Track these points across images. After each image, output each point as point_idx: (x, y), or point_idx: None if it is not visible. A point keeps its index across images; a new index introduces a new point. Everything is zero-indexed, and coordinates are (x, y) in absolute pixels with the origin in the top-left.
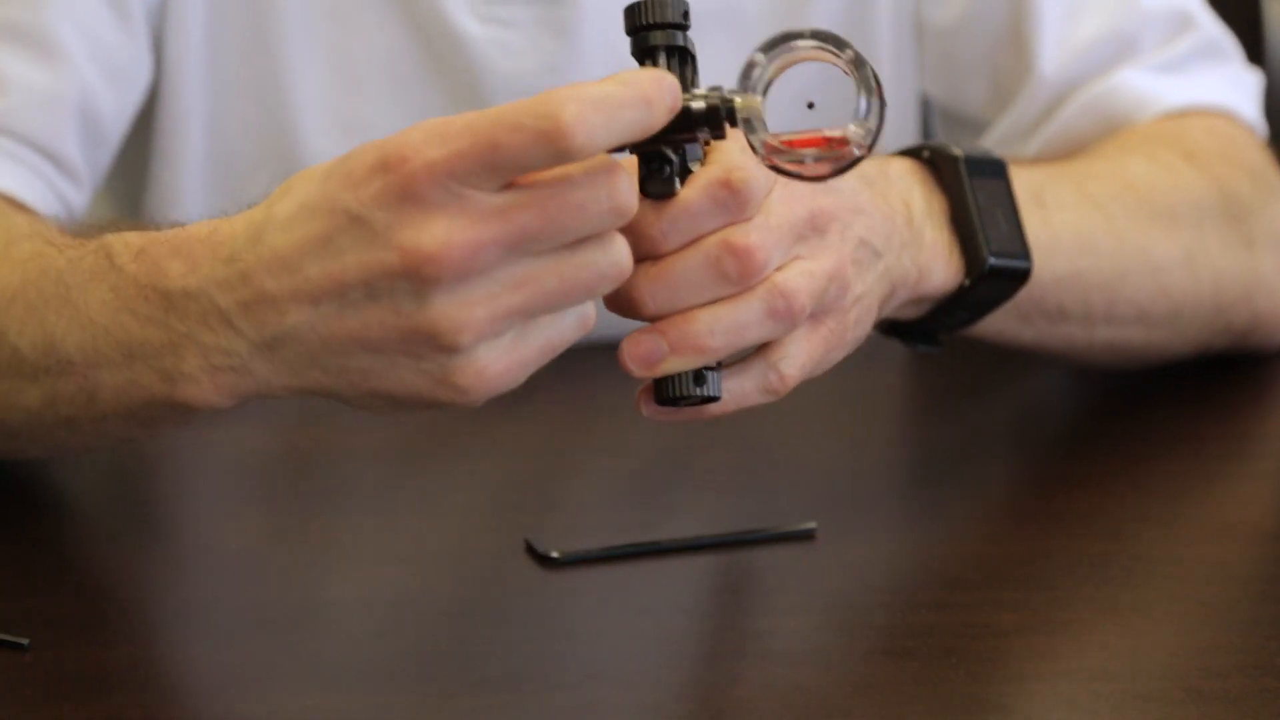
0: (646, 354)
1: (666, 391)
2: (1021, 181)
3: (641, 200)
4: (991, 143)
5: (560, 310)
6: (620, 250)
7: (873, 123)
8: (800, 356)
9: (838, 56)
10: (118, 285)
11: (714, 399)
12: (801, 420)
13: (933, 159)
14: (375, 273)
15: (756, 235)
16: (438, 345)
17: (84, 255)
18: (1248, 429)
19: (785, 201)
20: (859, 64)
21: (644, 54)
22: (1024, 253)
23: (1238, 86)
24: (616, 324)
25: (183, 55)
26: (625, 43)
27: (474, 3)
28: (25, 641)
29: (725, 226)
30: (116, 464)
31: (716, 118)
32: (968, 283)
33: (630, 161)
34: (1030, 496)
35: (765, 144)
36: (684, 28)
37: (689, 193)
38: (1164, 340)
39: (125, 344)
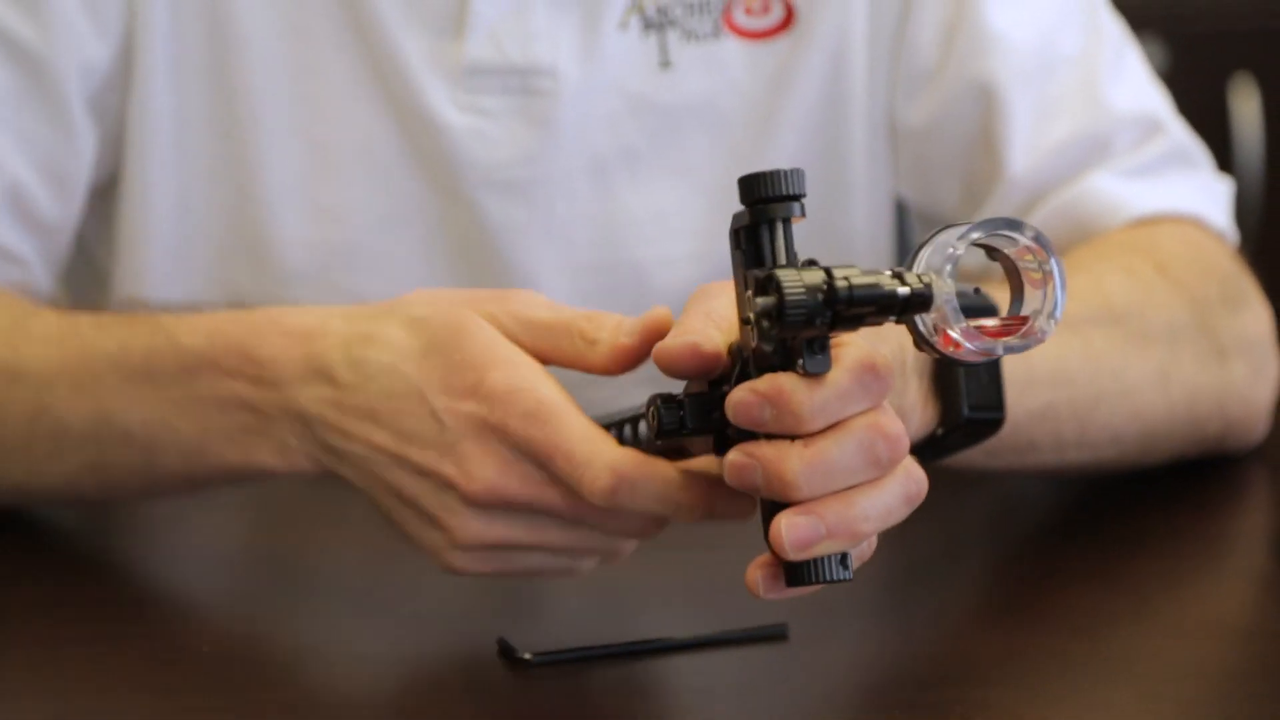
0: (804, 538)
1: (809, 575)
2: None
3: (795, 376)
4: None
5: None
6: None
7: (1053, 303)
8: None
9: (1019, 240)
10: (192, 367)
11: (849, 580)
12: None
13: None
14: (431, 470)
15: (899, 422)
16: (451, 541)
17: (136, 334)
18: (1222, 528)
19: None
20: (1044, 245)
21: (760, 222)
22: (999, 403)
23: (1208, 193)
24: None
25: (148, 141)
26: (601, 136)
27: (455, 93)
28: None
29: (867, 411)
30: (90, 567)
31: (920, 302)
32: (940, 432)
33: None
34: (1003, 595)
35: (964, 330)
36: (801, 197)
37: (839, 375)
38: (1137, 456)
39: (200, 420)
